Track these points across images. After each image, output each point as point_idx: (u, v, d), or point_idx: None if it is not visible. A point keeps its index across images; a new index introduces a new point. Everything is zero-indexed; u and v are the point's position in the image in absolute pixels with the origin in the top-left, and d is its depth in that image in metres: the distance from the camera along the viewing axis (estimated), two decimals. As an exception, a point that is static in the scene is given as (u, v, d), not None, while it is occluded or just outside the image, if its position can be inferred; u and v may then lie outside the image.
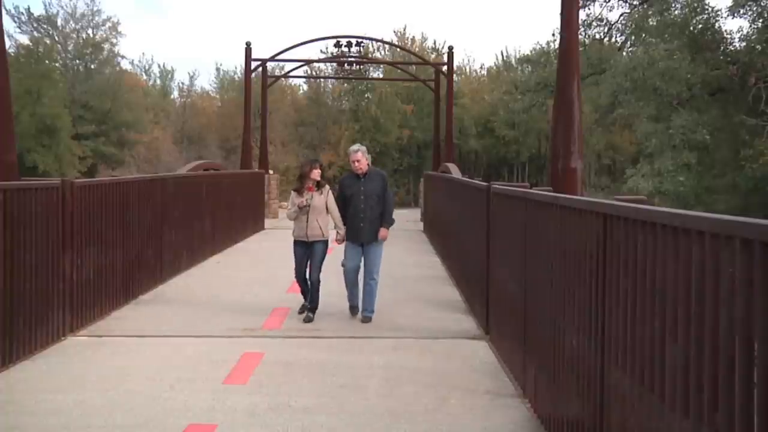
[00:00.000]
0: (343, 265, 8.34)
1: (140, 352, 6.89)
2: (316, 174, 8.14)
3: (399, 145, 45.84)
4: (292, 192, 8.23)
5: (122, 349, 7.02)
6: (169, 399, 5.49)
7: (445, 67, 25.44)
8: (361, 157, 8.25)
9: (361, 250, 8.28)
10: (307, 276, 8.26)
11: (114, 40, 48.25)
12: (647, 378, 3.13)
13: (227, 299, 9.61)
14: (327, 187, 8.24)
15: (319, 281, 8.14)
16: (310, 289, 8.20)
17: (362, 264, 8.32)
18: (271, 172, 25.52)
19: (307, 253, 8.15)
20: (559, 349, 4.63)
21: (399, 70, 38.95)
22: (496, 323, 7.16)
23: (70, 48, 47.38)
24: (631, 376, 3.34)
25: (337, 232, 8.28)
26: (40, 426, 4.93)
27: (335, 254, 8.91)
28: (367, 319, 8.14)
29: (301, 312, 8.31)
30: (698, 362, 2.65)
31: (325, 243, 8.18)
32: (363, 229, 8.16)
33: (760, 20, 24.78)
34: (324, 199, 8.13)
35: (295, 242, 8.24)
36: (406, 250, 14.90)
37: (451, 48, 24.91)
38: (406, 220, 23.79)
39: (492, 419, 5.19)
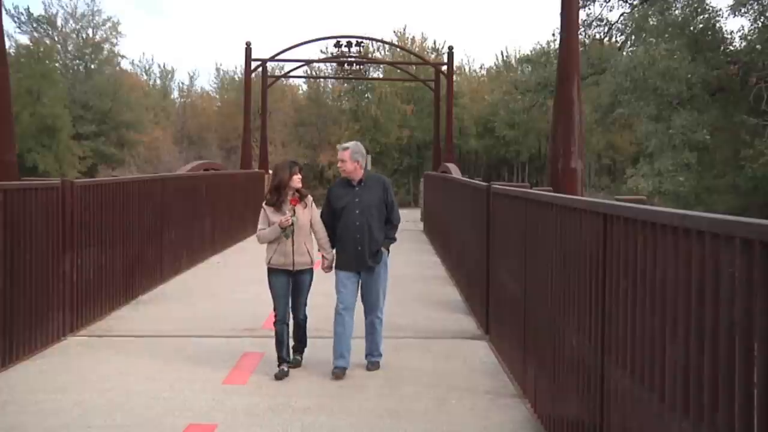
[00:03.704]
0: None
1: (140, 352, 6.89)
2: (297, 181, 6.26)
3: (399, 145, 45.78)
4: (266, 207, 6.30)
5: (122, 349, 7.02)
6: (169, 399, 5.50)
7: (445, 67, 25.44)
8: (347, 158, 6.31)
9: (357, 280, 6.37)
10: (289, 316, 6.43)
11: (114, 40, 48.30)
12: (647, 378, 3.13)
13: (227, 299, 9.61)
14: (310, 198, 6.43)
15: (306, 319, 6.48)
16: (295, 332, 6.46)
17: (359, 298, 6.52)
18: (270, 172, 25.51)
19: (291, 285, 6.32)
20: (559, 349, 4.63)
21: (399, 70, 38.94)
22: (496, 323, 7.16)
23: (70, 48, 47.37)
24: (631, 376, 3.34)
25: (323, 256, 6.42)
26: (40, 426, 4.94)
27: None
28: (374, 366, 6.44)
29: (280, 377, 6.08)
30: (698, 362, 2.65)
31: (312, 272, 6.41)
32: (361, 253, 6.25)
33: (761, 19, 24.77)
34: (309, 214, 6.31)
35: (273, 272, 6.27)
36: (406, 250, 14.88)
37: (451, 48, 24.91)
38: (406, 220, 23.69)
39: (492, 419, 5.19)
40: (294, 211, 6.18)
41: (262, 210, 6.31)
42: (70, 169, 40.13)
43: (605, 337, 3.71)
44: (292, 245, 6.16)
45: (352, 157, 6.30)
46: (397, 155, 46.23)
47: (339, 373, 6.16)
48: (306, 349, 6.64)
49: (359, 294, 6.45)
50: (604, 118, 30.58)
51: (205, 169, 15.25)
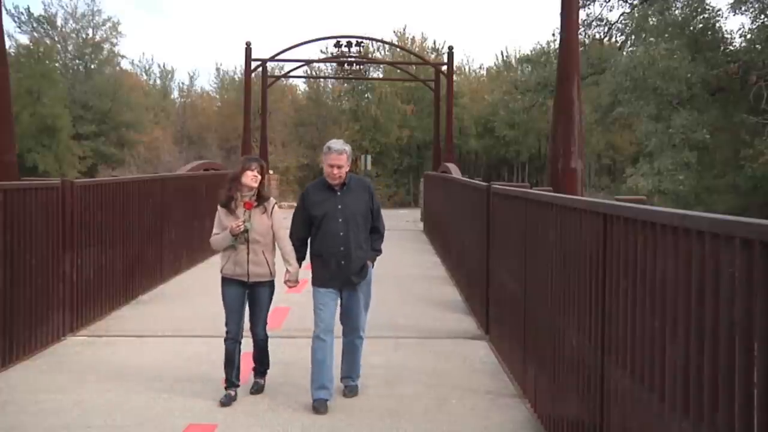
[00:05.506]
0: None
1: (140, 352, 6.89)
2: (251, 179, 5.50)
3: (399, 145, 45.77)
4: (219, 209, 5.66)
5: (122, 349, 7.03)
6: (169, 399, 5.50)
7: (445, 67, 25.45)
8: (344, 163, 5.42)
9: (338, 298, 5.54)
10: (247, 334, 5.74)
11: (114, 40, 48.34)
12: (647, 378, 3.13)
13: (227, 299, 9.60)
14: (272, 201, 5.68)
15: (267, 339, 5.77)
16: (255, 354, 5.79)
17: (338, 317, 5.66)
18: (270, 172, 25.55)
19: (246, 299, 5.63)
20: (559, 349, 4.63)
21: (399, 70, 38.95)
22: (496, 323, 7.16)
23: (70, 48, 47.39)
24: (631, 376, 3.34)
25: (287, 269, 5.61)
26: (40, 426, 4.94)
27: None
28: (351, 391, 5.68)
29: (226, 403, 5.38)
30: (698, 362, 2.65)
31: (273, 285, 5.67)
32: (345, 268, 5.41)
33: (762, 17, 24.76)
34: (270, 221, 5.58)
35: (225, 281, 5.61)
36: (406, 250, 14.89)
37: (451, 48, 24.92)
38: (406, 220, 23.80)
39: (492, 419, 5.19)
40: (250, 215, 5.51)
41: (218, 212, 5.67)
42: (70, 169, 40.15)
43: (605, 337, 3.71)
44: (248, 254, 5.50)
45: (348, 161, 5.49)
46: (397, 155, 46.22)
47: (320, 407, 5.29)
48: (307, 349, 6.57)
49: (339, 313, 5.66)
50: (604, 118, 30.60)
51: (205, 169, 15.24)
